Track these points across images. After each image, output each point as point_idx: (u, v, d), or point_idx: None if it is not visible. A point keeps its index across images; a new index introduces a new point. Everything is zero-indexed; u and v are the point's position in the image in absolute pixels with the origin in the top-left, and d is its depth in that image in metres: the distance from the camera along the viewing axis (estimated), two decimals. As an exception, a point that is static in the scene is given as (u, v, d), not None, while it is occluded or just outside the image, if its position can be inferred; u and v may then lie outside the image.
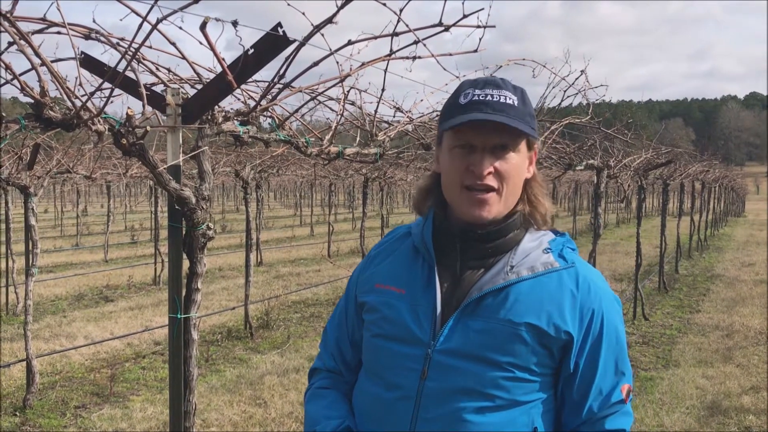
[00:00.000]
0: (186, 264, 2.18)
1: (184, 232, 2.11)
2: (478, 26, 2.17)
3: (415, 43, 2.19)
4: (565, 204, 35.87)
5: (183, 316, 2.11)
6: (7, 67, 1.61)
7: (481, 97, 1.46)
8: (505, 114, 1.45)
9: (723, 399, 6.18)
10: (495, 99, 1.46)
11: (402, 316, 1.51)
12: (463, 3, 2.02)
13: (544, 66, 4.06)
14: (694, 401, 6.11)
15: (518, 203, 1.54)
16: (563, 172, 6.69)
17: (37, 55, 1.59)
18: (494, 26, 2.26)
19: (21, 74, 1.73)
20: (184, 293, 2.15)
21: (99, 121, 1.73)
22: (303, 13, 2.11)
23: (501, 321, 1.43)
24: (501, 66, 3.68)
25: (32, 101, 1.74)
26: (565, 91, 4.71)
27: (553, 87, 4.65)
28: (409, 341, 1.49)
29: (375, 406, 1.54)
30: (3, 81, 1.82)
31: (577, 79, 4.61)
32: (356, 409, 1.60)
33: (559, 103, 4.89)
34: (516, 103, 1.47)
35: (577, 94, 4.81)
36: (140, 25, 1.58)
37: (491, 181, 1.46)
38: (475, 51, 2.41)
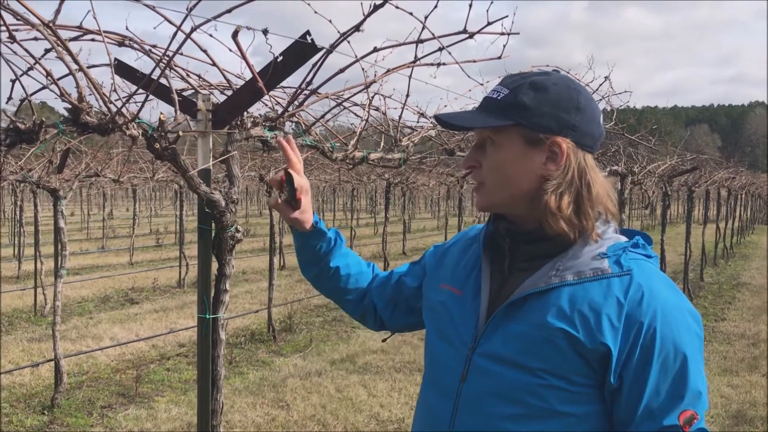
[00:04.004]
0: (214, 266, 2.23)
1: (213, 235, 2.16)
2: (503, 33, 2.20)
3: (440, 50, 2.21)
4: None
5: (211, 316, 2.16)
6: (48, 74, 1.67)
7: (486, 95, 1.50)
8: (483, 110, 1.46)
9: (748, 408, 6.12)
10: (488, 96, 1.47)
11: (454, 317, 1.52)
12: (487, 10, 2.05)
13: (568, 72, 4.07)
14: (719, 410, 6.05)
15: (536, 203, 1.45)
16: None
17: (76, 62, 1.65)
18: (518, 33, 2.29)
19: (58, 79, 1.79)
20: (212, 294, 2.20)
21: (133, 126, 1.78)
22: (330, 21, 2.15)
23: (537, 325, 1.37)
24: (524, 72, 3.69)
25: (69, 106, 1.80)
26: (589, 97, 4.71)
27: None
28: (455, 342, 1.49)
29: (423, 405, 1.57)
30: (41, 86, 1.89)
31: (601, 85, 4.62)
32: (416, 411, 1.64)
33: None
34: (500, 96, 1.43)
35: (601, 100, 4.82)
36: (174, 34, 1.63)
37: (475, 176, 1.48)
38: (499, 58, 2.44)
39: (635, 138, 6.21)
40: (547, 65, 3.81)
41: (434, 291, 1.63)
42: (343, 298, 1.87)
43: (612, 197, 1.48)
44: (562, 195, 1.40)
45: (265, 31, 1.67)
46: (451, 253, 1.68)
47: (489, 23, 2.07)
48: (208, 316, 2.16)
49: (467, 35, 2.13)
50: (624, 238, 1.46)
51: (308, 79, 2.05)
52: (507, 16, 2.11)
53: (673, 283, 1.44)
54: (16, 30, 1.66)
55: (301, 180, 1.69)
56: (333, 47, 1.95)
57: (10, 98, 1.92)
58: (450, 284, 1.58)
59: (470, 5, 2.07)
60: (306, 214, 1.73)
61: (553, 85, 1.42)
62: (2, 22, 1.48)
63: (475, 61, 2.48)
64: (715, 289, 13.22)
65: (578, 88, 1.46)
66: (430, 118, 3.89)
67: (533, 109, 1.40)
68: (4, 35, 1.59)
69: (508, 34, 2.21)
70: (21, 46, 1.65)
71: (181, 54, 2.04)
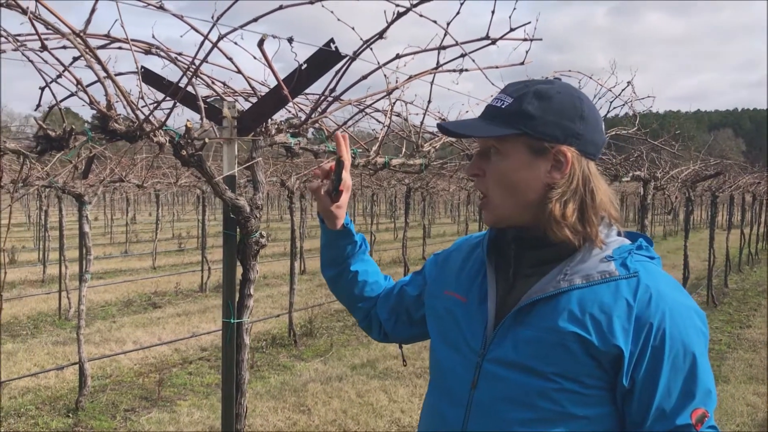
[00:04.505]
0: (238, 271, 2.25)
1: (238, 240, 2.18)
2: (525, 39, 2.20)
3: (462, 56, 2.22)
4: (611, 215, 35.25)
5: (236, 320, 2.18)
6: (78, 81, 1.71)
7: (488, 103, 1.50)
8: (485, 118, 1.46)
9: (774, 417, 6.03)
10: (491, 104, 1.47)
11: (460, 324, 1.52)
12: (510, 16, 2.05)
13: (590, 77, 4.07)
14: (744, 418, 5.97)
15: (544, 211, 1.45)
16: (609, 183, 6.62)
17: (105, 69, 1.68)
18: (541, 39, 2.28)
19: (87, 86, 1.83)
20: (236, 299, 2.22)
21: (160, 134, 1.81)
22: (353, 28, 2.17)
23: (548, 330, 1.38)
24: (547, 78, 3.69)
25: (96, 113, 1.84)
26: (611, 102, 4.70)
27: (599, 98, 4.63)
28: (462, 349, 1.50)
29: (431, 413, 1.56)
30: (69, 93, 1.93)
31: (623, 90, 4.60)
32: (421, 418, 1.64)
33: (606, 114, 4.86)
34: (504, 104, 1.43)
35: (623, 105, 4.79)
36: (202, 43, 1.66)
37: (479, 184, 1.49)
38: (522, 63, 2.44)
39: (658, 143, 6.17)
40: (569, 70, 3.81)
41: (438, 298, 1.64)
42: (355, 305, 1.89)
43: (614, 203, 1.49)
44: (566, 203, 1.41)
45: (290, 40, 1.69)
46: (453, 260, 1.68)
47: (512, 29, 2.07)
48: (232, 321, 2.19)
49: (490, 41, 2.13)
50: (627, 241, 1.48)
51: (332, 87, 2.06)
52: (530, 22, 2.11)
53: (678, 283, 1.46)
54: (47, 39, 1.70)
55: (347, 175, 1.72)
56: (356, 55, 1.97)
57: (39, 105, 1.96)
58: (454, 291, 1.59)
59: (492, 12, 2.08)
60: (341, 210, 1.76)
61: (557, 93, 1.43)
62: (35, 31, 1.51)
63: (497, 67, 2.48)
64: (739, 295, 13.05)
65: (581, 96, 1.47)
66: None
67: (538, 118, 1.41)
68: (36, 44, 1.63)
69: (531, 39, 2.20)
70: (52, 54, 1.68)
71: (207, 62, 2.06)
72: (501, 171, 1.45)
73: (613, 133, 5.23)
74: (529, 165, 1.42)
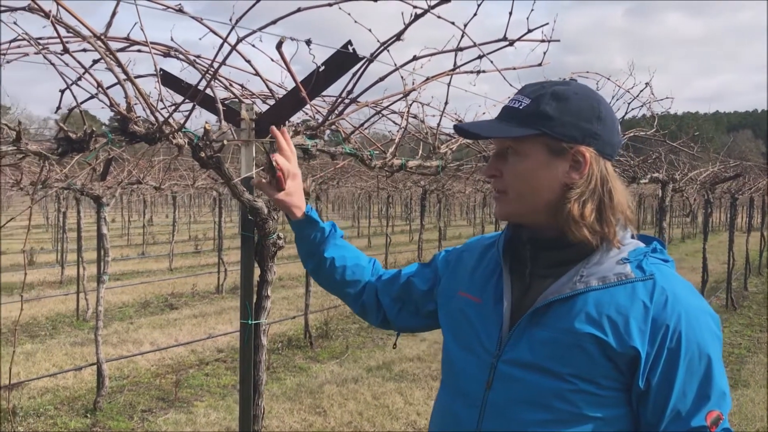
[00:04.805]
0: (256, 272, 2.26)
1: (255, 242, 2.19)
2: (543, 40, 2.19)
3: (479, 57, 2.21)
4: (628, 218, 34.96)
5: (254, 322, 2.19)
6: (99, 84, 1.72)
7: (505, 104, 1.50)
8: (503, 120, 1.46)
9: (795, 421, 5.96)
10: (508, 105, 1.48)
11: (474, 325, 1.53)
12: (527, 18, 2.04)
13: (608, 78, 4.03)
14: (764, 423, 5.90)
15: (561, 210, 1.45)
16: (627, 185, 6.57)
17: (125, 72, 1.69)
18: (558, 40, 2.28)
19: (107, 88, 1.84)
20: (254, 300, 2.23)
21: (179, 135, 1.82)
22: (370, 30, 2.17)
23: (564, 331, 1.38)
24: (564, 79, 3.67)
25: (116, 115, 1.85)
26: (629, 104, 4.66)
27: (617, 99, 4.60)
28: (477, 350, 1.50)
29: (444, 413, 1.56)
30: (89, 95, 1.94)
31: (641, 91, 4.55)
32: (432, 418, 1.64)
33: (623, 116, 4.83)
34: (522, 105, 1.44)
35: (641, 106, 4.75)
36: (221, 46, 1.67)
37: (496, 184, 1.49)
38: (540, 65, 2.43)
39: (676, 145, 6.11)
40: (587, 71, 3.78)
41: (451, 299, 1.64)
42: (343, 291, 1.90)
43: (631, 205, 1.50)
44: (585, 203, 1.42)
45: (308, 42, 1.70)
46: (466, 260, 1.69)
47: (529, 30, 2.06)
48: (250, 322, 2.19)
49: (507, 42, 2.13)
50: (642, 244, 1.49)
51: (350, 89, 2.06)
52: (547, 23, 2.10)
53: (692, 286, 1.47)
54: (68, 42, 1.71)
55: (288, 165, 1.79)
56: (373, 57, 1.97)
57: (59, 108, 1.98)
58: (468, 292, 1.59)
59: (510, 13, 2.07)
60: (292, 197, 1.82)
61: (574, 94, 1.44)
62: (56, 34, 1.53)
63: (515, 68, 2.47)
64: (759, 299, 12.91)
65: (598, 97, 1.48)
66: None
67: (556, 118, 1.41)
68: (58, 47, 1.65)
69: (549, 41, 2.20)
70: (73, 57, 1.70)
71: (225, 64, 2.07)
72: (519, 172, 1.45)
73: (632, 134, 5.20)
74: (548, 165, 1.43)
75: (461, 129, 1.55)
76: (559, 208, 1.42)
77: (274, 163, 1.75)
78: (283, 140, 1.81)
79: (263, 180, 1.81)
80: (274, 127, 1.79)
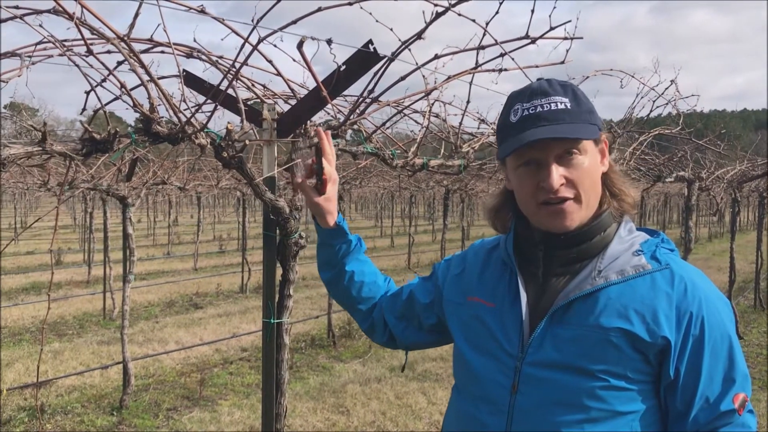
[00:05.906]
0: (278, 272, 2.27)
1: (277, 241, 2.20)
2: (565, 38, 2.17)
3: (501, 55, 2.20)
4: (654, 217, 34.66)
5: (276, 321, 2.20)
6: (122, 85, 1.74)
7: (530, 111, 1.41)
8: (560, 122, 1.40)
9: (826, 424, 5.85)
10: (546, 109, 1.41)
11: (491, 329, 1.50)
12: (550, 15, 2.02)
13: (632, 76, 3.99)
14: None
15: (603, 200, 1.48)
16: (652, 183, 6.50)
17: (148, 73, 1.71)
18: (581, 38, 2.25)
19: (131, 89, 1.86)
20: (276, 299, 2.24)
21: (202, 136, 1.83)
22: (391, 29, 2.17)
23: (591, 327, 1.37)
24: (587, 77, 3.65)
25: (139, 116, 1.87)
26: (654, 102, 4.61)
27: (642, 97, 4.55)
28: (498, 355, 1.48)
29: (467, 423, 1.53)
30: (113, 96, 1.97)
31: (666, 89, 4.51)
32: (449, 428, 1.61)
33: (648, 114, 4.78)
34: (569, 105, 1.42)
35: (666, 104, 4.70)
36: (242, 46, 1.68)
37: (565, 192, 1.40)
38: (562, 62, 2.41)
39: (703, 143, 6.03)
40: (611, 69, 3.75)
41: (462, 305, 1.62)
42: (354, 307, 1.88)
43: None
44: (618, 180, 1.52)
45: (329, 41, 1.70)
46: (470, 266, 1.67)
47: (552, 28, 2.04)
48: (272, 321, 2.20)
49: (529, 41, 2.11)
50: (648, 235, 1.52)
51: (371, 88, 2.06)
52: (569, 21, 2.08)
53: (702, 272, 1.49)
54: (92, 43, 1.73)
55: (330, 169, 1.75)
56: (394, 56, 1.97)
57: (84, 109, 2.01)
58: (478, 296, 1.57)
59: (532, 11, 2.06)
60: (330, 203, 1.77)
61: (577, 89, 1.49)
62: (81, 36, 1.55)
63: (537, 66, 2.45)
64: (788, 299, 12.69)
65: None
66: (491, 124, 3.87)
67: (594, 112, 1.47)
68: (82, 49, 1.67)
69: (571, 38, 2.18)
70: (97, 59, 1.72)
71: (247, 64, 2.09)
72: (588, 171, 1.44)
73: (657, 132, 5.14)
74: (596, 158, 1.47)
75: (533, 139, 1.40)
76: (602, 193, 1.49)
77: (324, 167, 1.70)
78: (327, 143, 1.75)
79: (307, 182, 1.76)
80: (320, 129, 1.74)
